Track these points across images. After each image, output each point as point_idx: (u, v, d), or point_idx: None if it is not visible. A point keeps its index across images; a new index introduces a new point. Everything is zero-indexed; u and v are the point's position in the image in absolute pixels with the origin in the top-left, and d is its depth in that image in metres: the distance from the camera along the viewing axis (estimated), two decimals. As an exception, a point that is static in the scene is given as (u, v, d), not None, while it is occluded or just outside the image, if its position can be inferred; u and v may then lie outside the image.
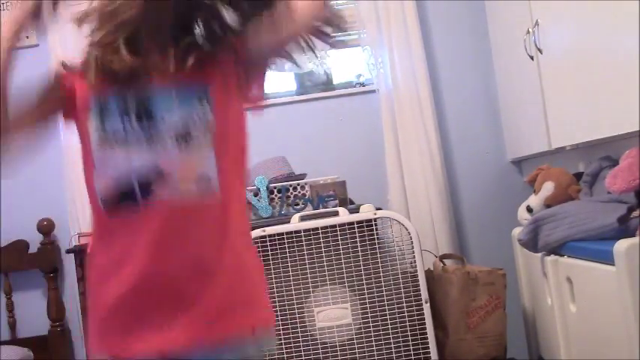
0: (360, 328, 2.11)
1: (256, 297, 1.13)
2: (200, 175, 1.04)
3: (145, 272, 1.03)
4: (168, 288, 1.04)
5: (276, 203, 2.43)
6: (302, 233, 2.12)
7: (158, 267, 1.03)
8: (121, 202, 1.04)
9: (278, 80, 3.05)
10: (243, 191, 1.18)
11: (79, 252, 2.48)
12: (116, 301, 1.05)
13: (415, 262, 2.12)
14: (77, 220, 2.70)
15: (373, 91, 2.89)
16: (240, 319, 1.08)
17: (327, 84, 3.03)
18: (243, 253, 1.11)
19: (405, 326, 2.10)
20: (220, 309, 1.06)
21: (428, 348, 2.09)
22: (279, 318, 2.11)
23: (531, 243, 1.91)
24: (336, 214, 2.17)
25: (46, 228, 2.68)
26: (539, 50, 2.21)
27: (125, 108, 1.05)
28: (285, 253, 2.12)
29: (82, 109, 1.09)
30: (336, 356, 2.10)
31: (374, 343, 2.10)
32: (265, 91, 1.22)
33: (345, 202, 2.45)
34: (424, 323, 2.09)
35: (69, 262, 2.72)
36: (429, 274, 2.30)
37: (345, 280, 2.12)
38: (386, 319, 2.10)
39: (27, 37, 2.81)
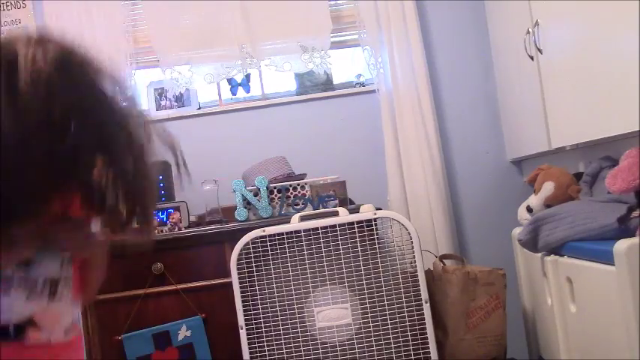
0: (360, 328, 2.11)
1: None
2: (63, 322, 1.14)
3: None
4: None
5: (276, 203, 2.43)
6: (302, 233, 2.12)
7: None
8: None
9: (278, 80, 3.05)
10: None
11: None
12: None
13: (415, 262, 2.11)
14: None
15: (373, 91, 2.89)
16: None
17: (327, 84, 3.03)
18: None
19: (405, 326, 2.10)
20: None
21: (428, 348, 2.09)
22: (279, 318, 2.11)
23: (531, 243, 1.91)
24: (336, 214, 2.17)
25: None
26: (539, 50, 2.21)
27: None
28: (285, 253, 2.12)
29: None
30: (336, 356, 2.10)
31: (374, 343, 2.10)
32: None
33: (345, 202, 2.45)
34: (424, 323, 2.09)
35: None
36: (428, 274, 2.30)
37: (345, 280, 2.12)
38: (386, 319, 2.10)
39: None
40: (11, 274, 1.08)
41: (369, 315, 2.11)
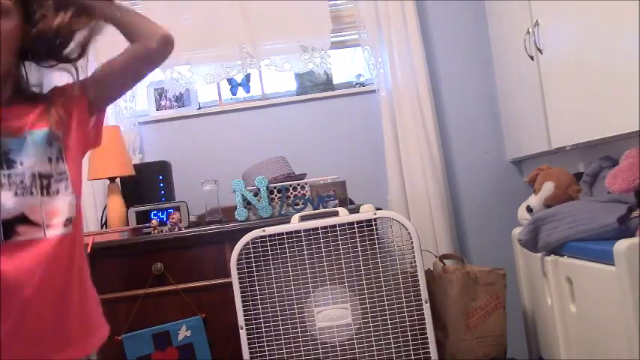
0: (360, 328, 2.11)
1: (96, 321, 1.32)
2: (59, 216, 1.18)
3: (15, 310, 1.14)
4: (33, 319, 1.16)
5: (276, 203, 2.43)
6: (302, 233, 2.12)
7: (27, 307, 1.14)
8: None
9: (278, 80, 3.05)
10: (81, 225, 1.30)
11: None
12: None
13: (415, 262, 2.11)
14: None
15: (373, 91, 2.89)
16: (89, 342, 1.27)
17: (327, 84, 3.03)
18: (83, 283, 1.26)
19: (405, 326, 2.10)
20: (74, 335, 1.22)
21: (428, 348, 2.09)
22: (279, 318, 2.11)
23: (531, 243, 1.91)
24: (336, 214, 2.17)
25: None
26: (539, 50, 2.21)
27: None
28: (285, 253, 2.12)
29: None
30: (336, 356, 2.10)
31: (374, 343, 2.10)
32: (101, 133, 1.38)
33: (345, 202, 2.45)
34: (424, 323, 2.09)
35: None
36: (429, 274, 2.30)
37: (345, 280, 2.12)
38: (386, 319, 2.10)
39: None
40: None
41: (369, 315, 2.11)
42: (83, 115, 1.29)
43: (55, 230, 1.17)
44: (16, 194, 1.15)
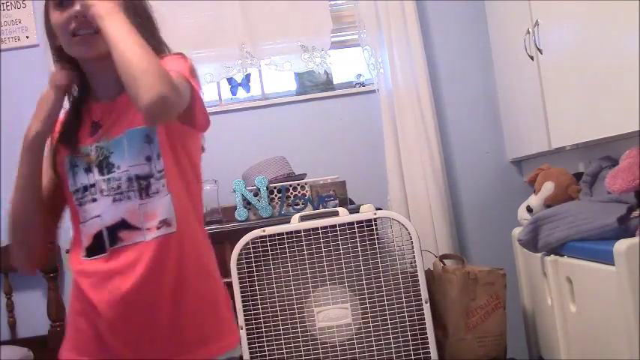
0: (360, 328, 2.11)
1: (218, 326, 1.22)
2: (160, 217, 1.13)
3: (114, 307, 1.12)
4: (141, 318, 1.13)
5: (276, 203, 2.43)
6: (302, 233, 2.12)
7: (127, 305, 1.12)
8: (94, 246, 1.15)
9: (278, 80, 3.05)
10: (199, 223, 1.25)
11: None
12: (93, 330, 1.15)
13: (415, 262, 2.11)
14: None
15: (373, 91, 2.89)
16: (208, 349, 1.18)
17: (327, 84, 3.03)
18: (201, 284, 1.19)
19: (405, 326, 2.10)
20: (190, 340, 1.16)
21: (428, 348, 2.09)
22: (279, 318, 2.11)
23: (531, 243, 1.91)
24: (336, 214, 2.17)
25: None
26: (539, 50, 2.21)
27: (88, 163, 1.16)
28: (285, 253, 2.12)
29: (62, 170, 1.20)
30: (336, 356, 2.10)
31: (374, 343, 2.10)
32: (206, 112, 1.33)
33: (345, 202, 2.45)
34: (424, 323, 2.09)
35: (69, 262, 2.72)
36: (429, 274, 2.30)
37: (345, 280, 2.12)
38: (386, 319, 2.10)
39: (27, 37, 2.82)
40: (95, 183, 1.13)
41: (369, 315, 2.11)
42: None
43: (153, 233, 1.12)
44: (114, 200, 1.13)
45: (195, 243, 1.19)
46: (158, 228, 1.12)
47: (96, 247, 1.15)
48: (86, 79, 1.22)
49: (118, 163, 1.14)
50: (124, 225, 1.13)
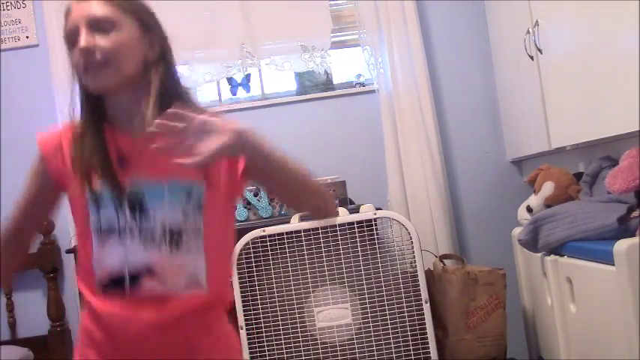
0: (360, 328, 2.11)
1: None
2: (189, 274, 1.11)
3: (129, 349, 1.10)
4: None
5: (276, 203, 2.43)
6: (302, 233, 2.12)
7: (142, 348, 1.10)
8: (111, 286, 1.11)
9: (278, 80, 3.05)
10: (228, 280, 1.24)
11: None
12: None
13: (415, 262, 2.12)
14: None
15: (373, 91, 2.89)
16: None
17: (327, 84, 3.03)
18: (223, 338, 1.19)
19: (405, 326, 2.10)
20: None
21: (428, 348, 2.09)
22: (279, 318, 2.11)
23: (531, 243, 1.91)
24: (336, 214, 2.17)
25: (45, 228, 2.68)
26: (539, 50, 2.21)
27: (119, 200, 1.10)
28: (285, 253, 2.12)
29: (78, 197, 1.13)
30: (336, 356, 2.10)
31: (374, 343, 2.10)
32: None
33: (345, 202, 2.45)
34: (424, 323, 2.09)
35: (69, 262, 2.72)
36: (429, 274, 2.30)
37: (345, 280, 2.12)
38: (386, 319, 2.10)
39: (27, 37, 2.82)
40: (124, 224, 1.09)
41: (369, 315, 2.11)
42: (234, 163, 1.17)
43: (179, 289, 1.09)
44: (145, 248, 1.09)
45: (223, 305, 1.18)
46: (187, 287, 1.10)
47: (111, 285, 1.11)
48: (104, 107, 1.16)
49: (153, 210, 1.10)
50: (149, 272, 1.09)
